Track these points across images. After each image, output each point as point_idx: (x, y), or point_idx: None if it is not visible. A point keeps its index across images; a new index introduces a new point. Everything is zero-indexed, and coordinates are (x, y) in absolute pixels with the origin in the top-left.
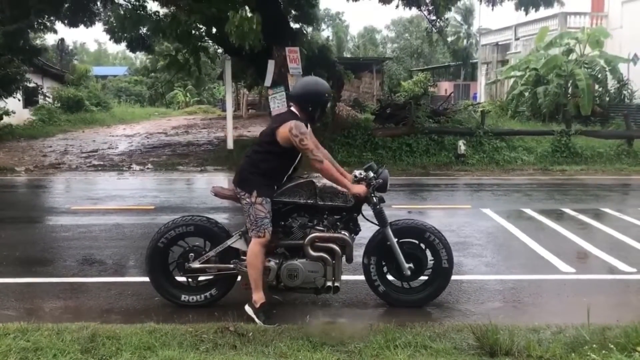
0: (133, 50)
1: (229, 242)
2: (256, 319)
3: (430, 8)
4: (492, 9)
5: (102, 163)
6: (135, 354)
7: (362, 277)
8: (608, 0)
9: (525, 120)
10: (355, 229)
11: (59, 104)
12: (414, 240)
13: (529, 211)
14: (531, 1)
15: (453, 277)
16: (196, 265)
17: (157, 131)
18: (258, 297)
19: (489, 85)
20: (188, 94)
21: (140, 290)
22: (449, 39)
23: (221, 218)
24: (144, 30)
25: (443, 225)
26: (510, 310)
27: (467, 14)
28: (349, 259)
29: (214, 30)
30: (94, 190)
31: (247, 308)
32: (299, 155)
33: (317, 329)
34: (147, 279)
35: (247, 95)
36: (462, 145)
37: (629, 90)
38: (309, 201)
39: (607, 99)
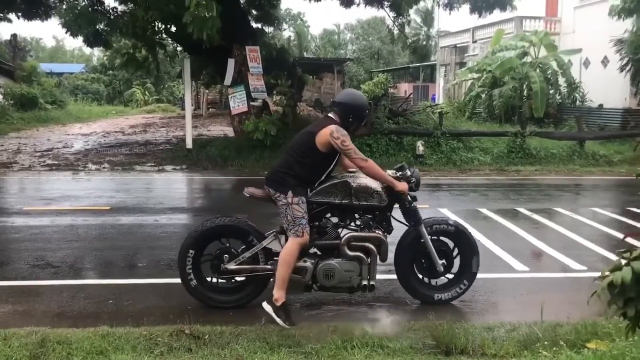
0: (90, 46)
1: (265, 243)
2: (276, 318)
3: (392, 7)
4: (450, 13)
5: (56, 162)
6: (87, 359)
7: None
8: (561, 5)
9: (482, 122)
10: (388, 228)
11: (11, 102)
12: (444, 239)
13: (485, 211)
14: (485, 5)
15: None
16: (232, 266)
17: (115, 130)
18: (280, 295)
19: (448, 87)
20: (147, 93)
21: (93, 293)
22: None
23: (179, 219)
24: (101, 26)
25: (402, 225)
26: (467, 309)
27: (427, 16)
28: (384, 258)
29: (173, 28)
30: (48, 191)
31: (266, 306)
32: (334, 163)
33: (274, 330)
34: (100, 281)
35: (207, 94)
36: (420, 146)
37: (581, 93)
38: (343, 201)
39: (560, 101)
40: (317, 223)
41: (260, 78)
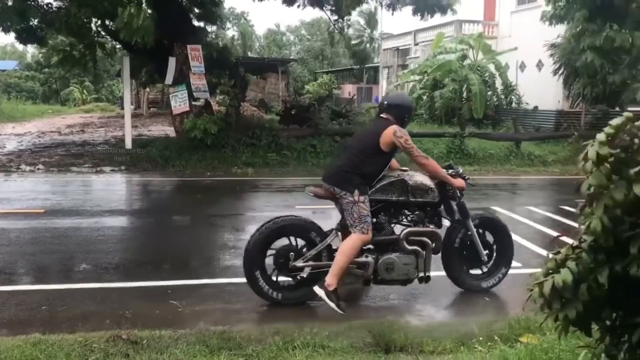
0: (23, 42)
1: (329, 240)
2: (328, 301)
3: (333, 8)
4: (392, 14)
5: None
6: None
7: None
8: (499, 9)
9: (424, 123)
10: (439, 223)
11: None
12: (485, 231)
13: None
14: (426, 7)
15: None
16: (300, 263)
17: (50, 130)
18: (333, 282)
19: (390, 88)
20: (85, 91)
21: (26, 300)
22: (353, 42)
23: (116, 222)
24: (34, 22)
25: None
26: (406, 307)
27: (371, 19)
28: (438, 251)
29: (111, 24)
30: None
31: (318, 290)
32: (390, 162)
33: (215, 333)
34: (33, 287)
35: (148, 93)
36: None
37: (517, 96)
38: (400, 198)
39: (497, 103)
40: (374, 220)
41: (202, 77)
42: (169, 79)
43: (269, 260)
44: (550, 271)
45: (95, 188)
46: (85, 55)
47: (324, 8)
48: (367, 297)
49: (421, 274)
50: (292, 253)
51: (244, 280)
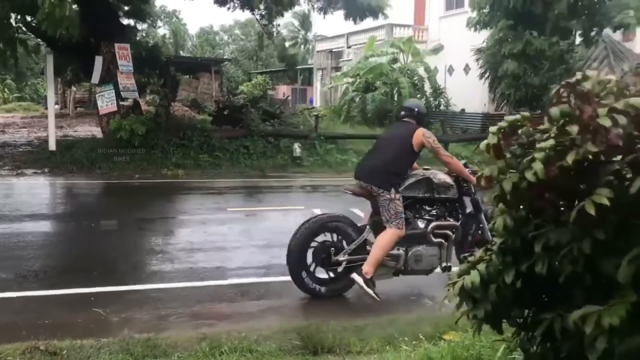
0: None
1: (365, 235)
2: (366, 288)
3: (264, 12)
4: (324, 17)
5: None
6: None
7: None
8: (428, 14)
9: (357, 125)
10: (457, 217)
11: None
12: None
13: (357, 211)
14: (357, 12)
15: (282, 279)
16: (342, 257)
17: None
18: (370, 270)
19: (324, 90)
20: (7, 90)
21: None
22: (287, 44)
23: (37, 227)
24: None
25: (277, 226)
26: (336, 307)
27: (305, 20)
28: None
29: (32, 20)
30: None
31: (356, 277)
32: (416, 159)
33: (139, 341)
34: None
35: (75, 92)
36: (297, 148)
37: (445, 98)
38: (425, 194)
39: (426, 105)
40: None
41: (131, 77)
42: (95, 78)
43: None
44: (463, 273)
45: (15, 192)
46: (5, 52)
47: (254, 12)
48: (291, 298)
49: (444, 264)
50: (332, 248)
51: (171, 285)
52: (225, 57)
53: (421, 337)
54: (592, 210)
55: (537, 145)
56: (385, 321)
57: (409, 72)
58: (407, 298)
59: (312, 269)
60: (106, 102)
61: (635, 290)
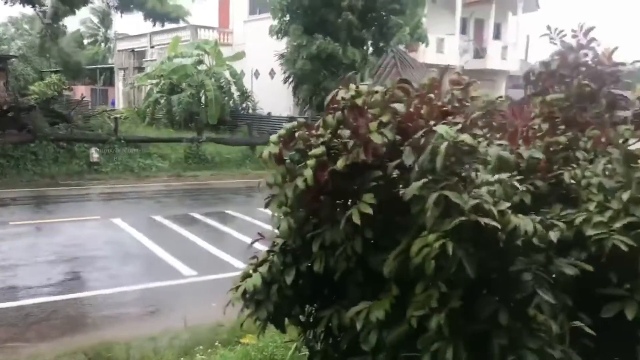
0: None
1: None
2: None
3: (46, 10)
4: (121, 16)
5: None
6: None
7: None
8: (233, 17)
9: (163, 127)
10: None
11: None
12: None
13: (159, 218)
14: (158, 16)
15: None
16: None
17: None
18: None
19: (127, 91)
20: None
21: None
22: (85, 42)
23: None
24: None
25: (69, 239)
26: (136, 320)
27: (105, 17)
28: None
29: None
30: None
31: None
32: None
33: None
34: None
35: None
36: (94, 153)
37: (252, 102)
38: None
39: (233, 109)
40: None
41: None
42: None
43: None
44: (246, 276)
45: None
46: None
47: (36, 9)
48: (97, 316)
49: None
50: None
51: None
52: (11, 53)
53: (217, 344)
54: (357, 220)
55: (309, 152)
56: (182, 330)
57: (214, 74)
58: (209, 307)
59: None
60: None
61: (397, 285)
